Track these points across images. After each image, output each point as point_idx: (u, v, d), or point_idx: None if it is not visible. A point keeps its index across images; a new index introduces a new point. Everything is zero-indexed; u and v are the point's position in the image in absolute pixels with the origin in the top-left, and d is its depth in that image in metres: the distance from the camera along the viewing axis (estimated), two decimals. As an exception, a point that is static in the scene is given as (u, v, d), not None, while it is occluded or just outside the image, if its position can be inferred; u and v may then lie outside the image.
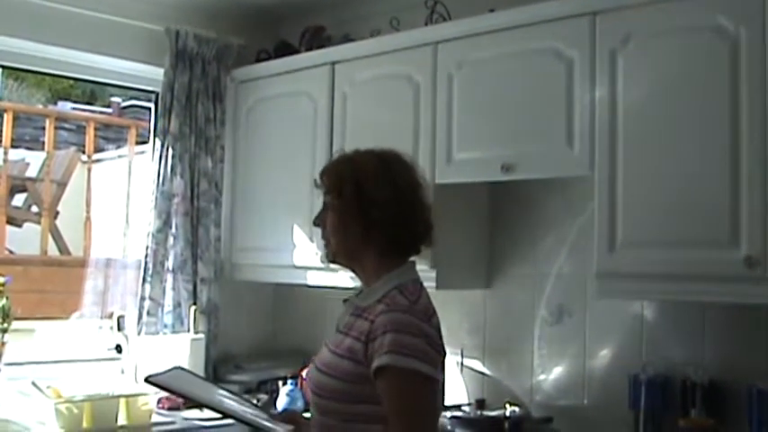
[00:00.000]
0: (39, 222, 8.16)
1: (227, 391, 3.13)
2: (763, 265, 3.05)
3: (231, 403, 2.97)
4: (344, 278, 4.27)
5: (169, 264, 4.93)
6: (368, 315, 2.53)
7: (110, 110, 12.40)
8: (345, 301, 2.75)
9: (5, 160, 7.89)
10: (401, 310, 2.47)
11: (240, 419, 2.85)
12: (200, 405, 3.17)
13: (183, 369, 3.00)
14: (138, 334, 4.83)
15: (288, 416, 2.97)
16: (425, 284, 3.82)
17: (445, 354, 2.58)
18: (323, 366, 2.62)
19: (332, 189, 2.66)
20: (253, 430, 2.87)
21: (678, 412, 3.62)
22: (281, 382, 4.66)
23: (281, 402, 4.49)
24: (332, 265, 2.84)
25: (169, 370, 2.97)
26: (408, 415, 2.42)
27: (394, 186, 2.60)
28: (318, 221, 2.71)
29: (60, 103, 12.63)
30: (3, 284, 4.41)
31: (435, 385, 2.47)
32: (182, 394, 3.04)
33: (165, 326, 4.89)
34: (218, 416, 4.11)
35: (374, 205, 2.57)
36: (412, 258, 2.70)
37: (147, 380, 2.86)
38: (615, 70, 3.50)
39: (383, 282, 2.59)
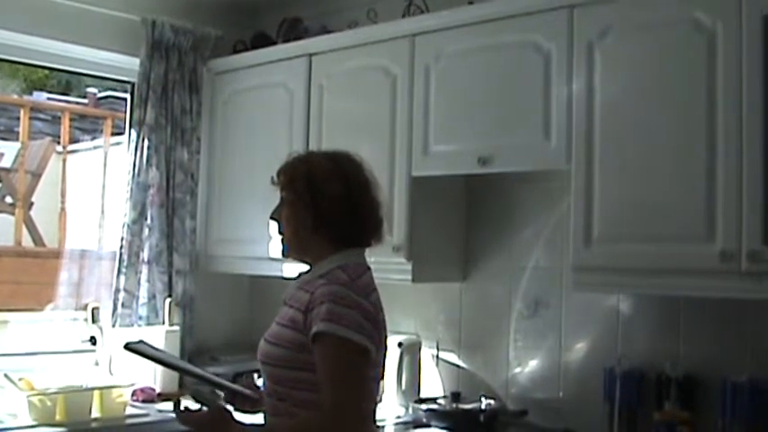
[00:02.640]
0: (13, 213, 8.11)
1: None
2: (738, 259, 3.06)
3: (196, 368, 3.27)
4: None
5: (144, 255, 4.91)
6: (308, 288, 2.74)
7: (85, 100, 12.32)
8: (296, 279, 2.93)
9: (-21, 150, 7.85)
10: (339, 284, 2.68)
11: (216, 383, 3.13)
12: (175, 369, 3.45)
13: (145, 342, 3.11)
14: (113, 326, 4.81)
15: (245, 383, 3.16)
16: (401, 277, 3.83)
17: (385, 329, 2.80)
18: (269, 337, 2.86)
19: (286, 185, 2.88)
20: (228, 394, 3.12)
21: (653, 405, 3.64)
22: (256, 375, 4.64)
23: (257, 395, 4.48)
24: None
25: (136, 342, 3.08)
26: (338, 380, 2.60)
27: (344, 182, 2.81)
28: (275, 216, 2.93)
29: (35, 94, 12.52)
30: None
31: (367, 355, 2.65)
32: (159, 360, 3.21)
33: (140, 318, 4.88)
34: (198, 407, 4.15)
35: (324, 199, 2.78)
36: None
37: (126, 346, 3.02)
38: (593, 63, 3.51)
39: (328, 261, 2.80)
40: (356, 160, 2.90)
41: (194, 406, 4.19)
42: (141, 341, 3.10)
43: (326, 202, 2.77)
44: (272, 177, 2.92)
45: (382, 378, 2.89)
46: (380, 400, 3.03)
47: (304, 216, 2.80)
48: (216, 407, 2.89)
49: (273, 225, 2.93)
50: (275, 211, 2.92)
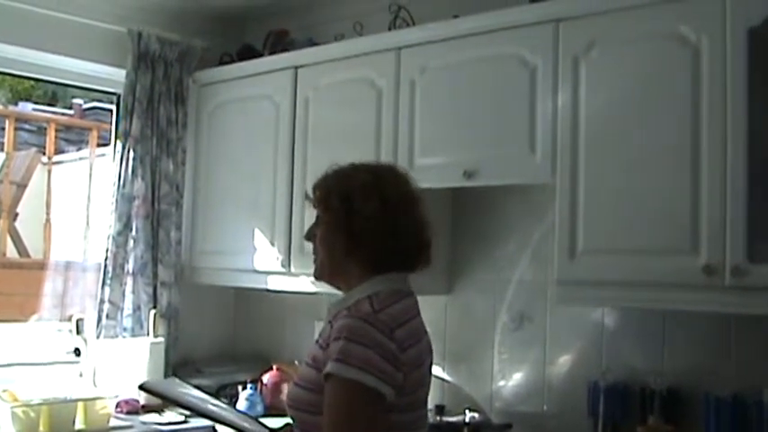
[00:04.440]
0: (-3, 224, 8.10)
1: (222, 401, 3.10)
2: (722, 273, 3.08)
3: (227, 413, 2.93)
4: (305, 283, 4.27)
5: (129, 267, 4.90)
6: (334, 322, 2.43)
7: (71, 111, 12.32)
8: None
9: (-35, 161, 7.83)
10: (358, 317, 2.37)
11: (238, 428, 2.81)
12: (196, 413, 3.00)
13: (177, 378, 2.96)
14: (98, 337, 4.79)
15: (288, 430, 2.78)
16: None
17: (420, 368, 2.48)
18: (297, 379, 2.55)
19: (320, 202, 2.60)
20: None
21: (637, 419, 3.64)
22: (240, 387, 4.64)
23: (241, 407, 4.47)
24: (303, 276, 2.78)
25: (164, 380, 2.94)
26: (338, 426, 2.29)
27: (381, 199, 2.51)
28: (309, 235, 2.65)
29: (21, 104, 12.51)
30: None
31: (381, 400, 2.30)
32: (174, 401, 2.97)
33: (125, 329, 4.86)
34: (182, 419, 4.14)
35: (358, 218, 2.49)
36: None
37: (140, 387, 2.90)
38: (578, 77, 3.52)
39: (360, 289, 2.51)
40: (400, 174, 2.65)
41: (179, 417, 4.21)
42: (172, 378, 2.94)
43: (362, 222, 2.48)
44: (307, 193, 2.68)
45: (422, 425, 2.54)
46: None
47: (337, 236, 2.52)
48: None
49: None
50: (309, 231, 2.64)
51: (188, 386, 3.10)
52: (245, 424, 2.85)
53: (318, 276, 2.64)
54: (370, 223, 2.49)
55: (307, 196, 2.68)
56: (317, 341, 2.50)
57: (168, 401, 3.02)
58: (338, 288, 2.62)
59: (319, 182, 2.63)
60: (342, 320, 2.38)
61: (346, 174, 2.60)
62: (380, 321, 2.37)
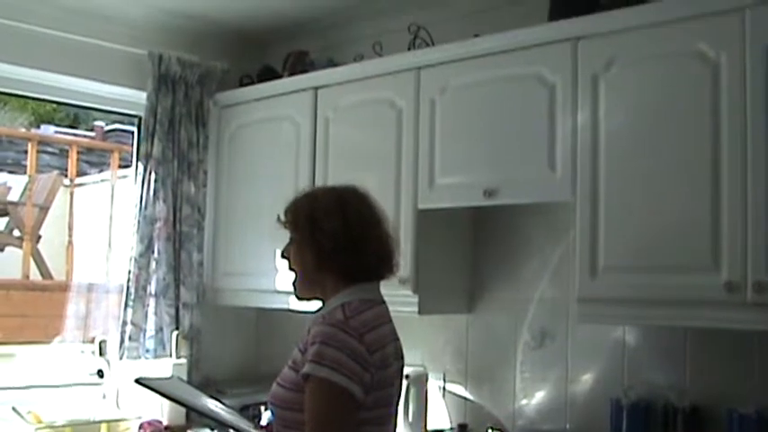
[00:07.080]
0: (20, 246, 8.14)
1: (220, 402, 3.20)
2: (744, 290, 3.06)
3: (218, 410, 3.13)
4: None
5: (151, 288, 4.92)
6: (312, 328, 2.68)
7: (93, 134, 12.40)
8: None
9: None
10: (331, 324, 2.61)
11: (225, 424, 3.02)
12: (188, 409, 3.24)
13: (179, 379, 3.07)
14: (120, 359, 4.80)
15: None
16: (408, 309, 3.78)
17: (387, 368, 2.70)
18: (279, 378, 2.76)
19: (290, 223, 2.86)
20: None
21: (660, 437, 3.63)
22: (263, 407, 4.64)
23: (264, 427, 4.48)
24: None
25: (164, 377, 3.05)
26: (317, 422, 2.54)
27: (343, 218, 2.76)
28: (285, 254, 2.90)
29: (43, 127, 12.61)
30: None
31: (350, 398, 2.55)
32: (169, 397, 3.16)
33: (147, 350, 4.87)
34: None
35: (324, 235, 2.74)
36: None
37: (137, 381, 3.02)
38: (597, 95, 3.52)
39: (335, 299, 2.75)
40: (360, 194, 2.87)
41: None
42: (174, 376, 3.03)
43: (326, 239, 2.73)
44: (279, 216, 2.90)
45: (388, 421, 2.78)
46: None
47: (307, 253, 2.78)
48: None
49: (284, 264, 2.90)
50: (284, 250, 2.89)
51: (188, 385, 3.18)
52: (241, 424, 3.06)
53: (299, 294, 2.90)
54: (333, 241, 2.74)
55: (278, 219, 2.91)
56: (297, 346, 2.73)
57: (164, 397, 3.17)
58: (319, 300, 2.85)
59: (289, 205, 2.91)
60: (317, 327, 2.64)
61: (313, 196, 2.91)
62: (351, 327, 2.62)
